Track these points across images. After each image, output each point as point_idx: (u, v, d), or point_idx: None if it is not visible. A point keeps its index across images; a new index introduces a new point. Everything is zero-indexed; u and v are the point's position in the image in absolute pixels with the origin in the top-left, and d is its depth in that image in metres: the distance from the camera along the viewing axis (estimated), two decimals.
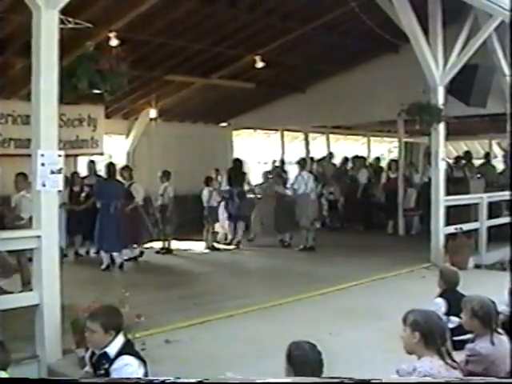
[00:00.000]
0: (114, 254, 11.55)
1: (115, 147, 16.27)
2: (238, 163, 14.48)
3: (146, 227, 12.73)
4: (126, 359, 4.77)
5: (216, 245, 14.14)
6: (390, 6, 10.69)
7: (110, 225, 11.40)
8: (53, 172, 5.97)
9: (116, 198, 11.60)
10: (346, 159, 18.35)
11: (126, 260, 11.97)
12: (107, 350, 4.83)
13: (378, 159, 19.99)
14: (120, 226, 11.48)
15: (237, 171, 14.28)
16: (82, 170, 14.21)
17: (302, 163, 14.29)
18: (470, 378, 4.26)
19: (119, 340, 4.89)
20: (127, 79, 6.91)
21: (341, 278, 10.07)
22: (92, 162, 13.92)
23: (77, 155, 14.39)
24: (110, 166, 12.05)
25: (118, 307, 5.27)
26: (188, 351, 6.55)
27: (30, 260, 6.87)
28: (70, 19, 6.59)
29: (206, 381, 2.76)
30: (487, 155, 17.64)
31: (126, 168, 13.12)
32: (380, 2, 10.95)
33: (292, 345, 3.97)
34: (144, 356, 5.06)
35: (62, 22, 6.23)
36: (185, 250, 13.90)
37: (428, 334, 4.15)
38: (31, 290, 6.52)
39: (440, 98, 11.43)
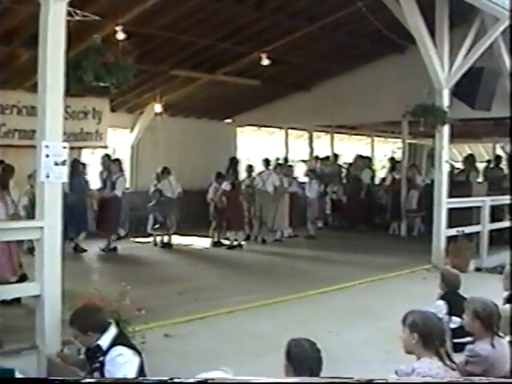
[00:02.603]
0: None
1: (119, 141, 16.28)
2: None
3: (119, 221, 13.09)
4: (119, 349, 4.84)
5: (223, 241, 13.97)
6: (397, 7, 10.69)
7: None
8: (57, 164, 5.95)
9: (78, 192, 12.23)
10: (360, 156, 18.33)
11: (103, 250, 12.52)
12: (100, 342, 4.90)
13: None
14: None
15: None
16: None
17: (265, 162, 14.87)
18: (470, 378, 4.26)
19: (111, 332, 4.96)
20: (133, 73, 6.91)
21: (341, 278, 10.11)
22: (107, 155, 13.92)
23: (81, 148, 14.38)
24: (75, 163, 12.27)
25: (97, 305, 5.35)
26: (187, 346, 6.58)
27: (30, 252, 6.84)
28: (78, 11, 6.59)
29: (210, 381, 2.81)
30: (498, 158, 17.48)
31: (115, 161, 13.43)
32: (387, 2, 10.93)
33: (291, 342, 3.97)
34: (143, 349, 5.09)
35: (69, 13, 6.22)
36: (186, 245, 13.92)
37: (426, 335, 4.17)
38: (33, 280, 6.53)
39: (445, 100, 11.42)
